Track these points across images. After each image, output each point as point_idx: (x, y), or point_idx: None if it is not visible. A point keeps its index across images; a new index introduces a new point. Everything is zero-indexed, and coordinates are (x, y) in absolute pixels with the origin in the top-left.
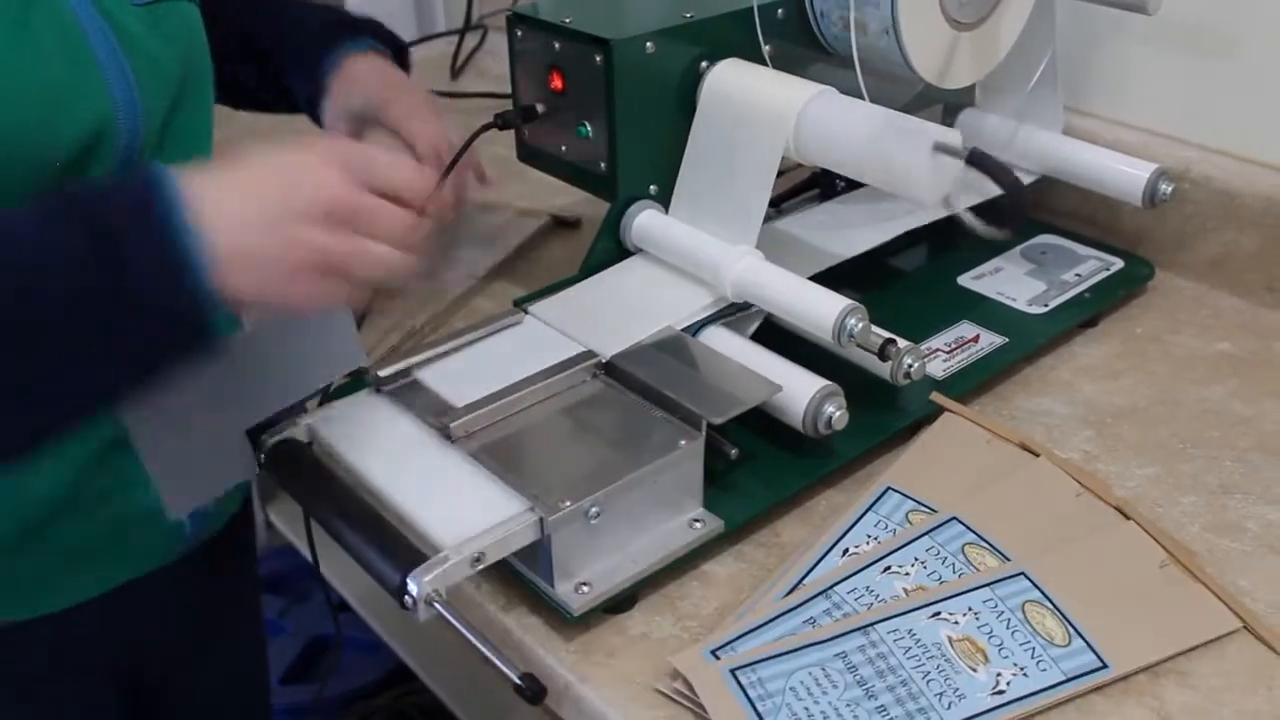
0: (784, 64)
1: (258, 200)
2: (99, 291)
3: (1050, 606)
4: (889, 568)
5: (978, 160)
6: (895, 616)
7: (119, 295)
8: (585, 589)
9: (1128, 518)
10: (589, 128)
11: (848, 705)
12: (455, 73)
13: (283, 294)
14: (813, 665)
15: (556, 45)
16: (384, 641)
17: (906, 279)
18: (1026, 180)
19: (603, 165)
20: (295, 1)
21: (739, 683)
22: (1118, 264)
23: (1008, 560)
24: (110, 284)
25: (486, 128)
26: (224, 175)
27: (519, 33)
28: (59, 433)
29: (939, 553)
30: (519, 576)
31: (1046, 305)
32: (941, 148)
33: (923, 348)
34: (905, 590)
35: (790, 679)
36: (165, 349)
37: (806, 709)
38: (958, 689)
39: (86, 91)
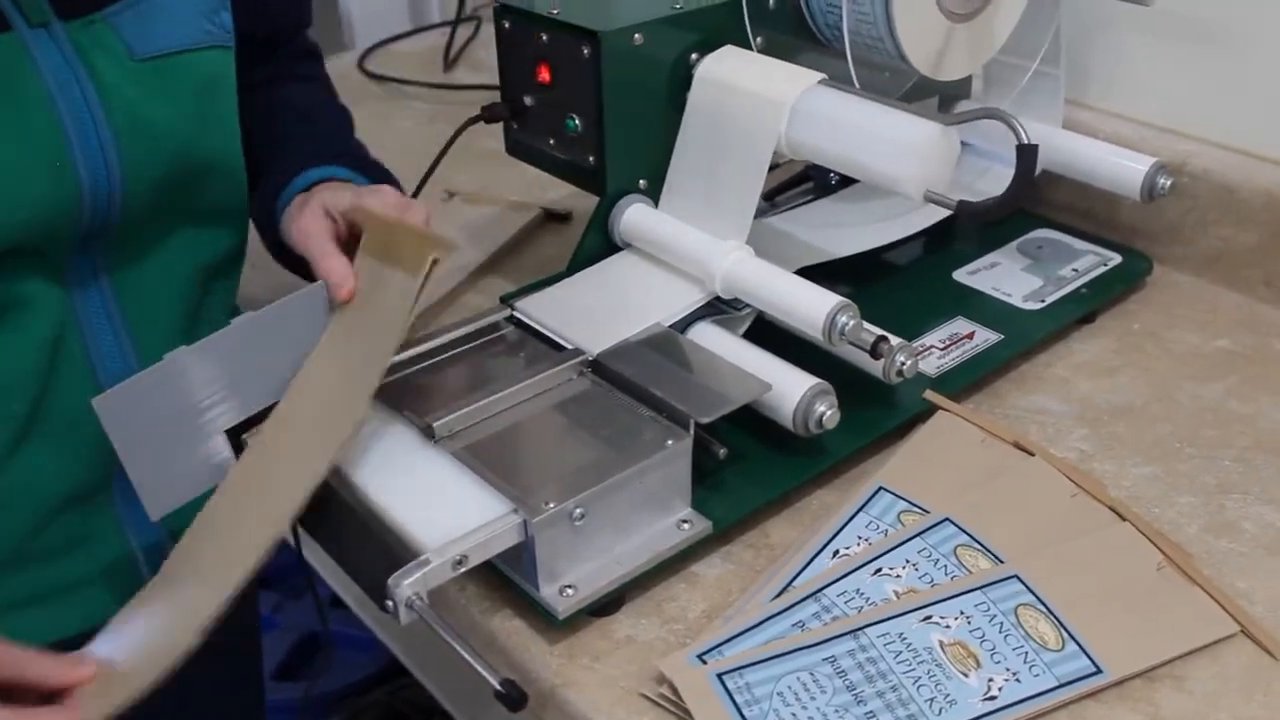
0: (775, 55)
1: None
2: None
3: (1044, 610)
4: (880, 570)
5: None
6: (886, 620)
7: None
8: (570, 592)
9: (1123, 519)
10: (577, 121)
11: (836, 711)
12: (448, 65)
13: None
14: (801, 670)
15: (544, 37)
16: (377, 637)
17: (901, 274)
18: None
19: (591, 159)
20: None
21: (725, 687)
22: (1115, 259)
23: (1000, 562)
24: None
25: (472, 121)
26: None
27: (506, 24)
28: None
29: (931, 554)
30: (503, 579)
31: (1043, 301)
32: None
33: (916, 345)
34: (896, 593)
35: (778, 684)
36: None
37: (794, 714)
38: (948, 694)
39: (41, 171)
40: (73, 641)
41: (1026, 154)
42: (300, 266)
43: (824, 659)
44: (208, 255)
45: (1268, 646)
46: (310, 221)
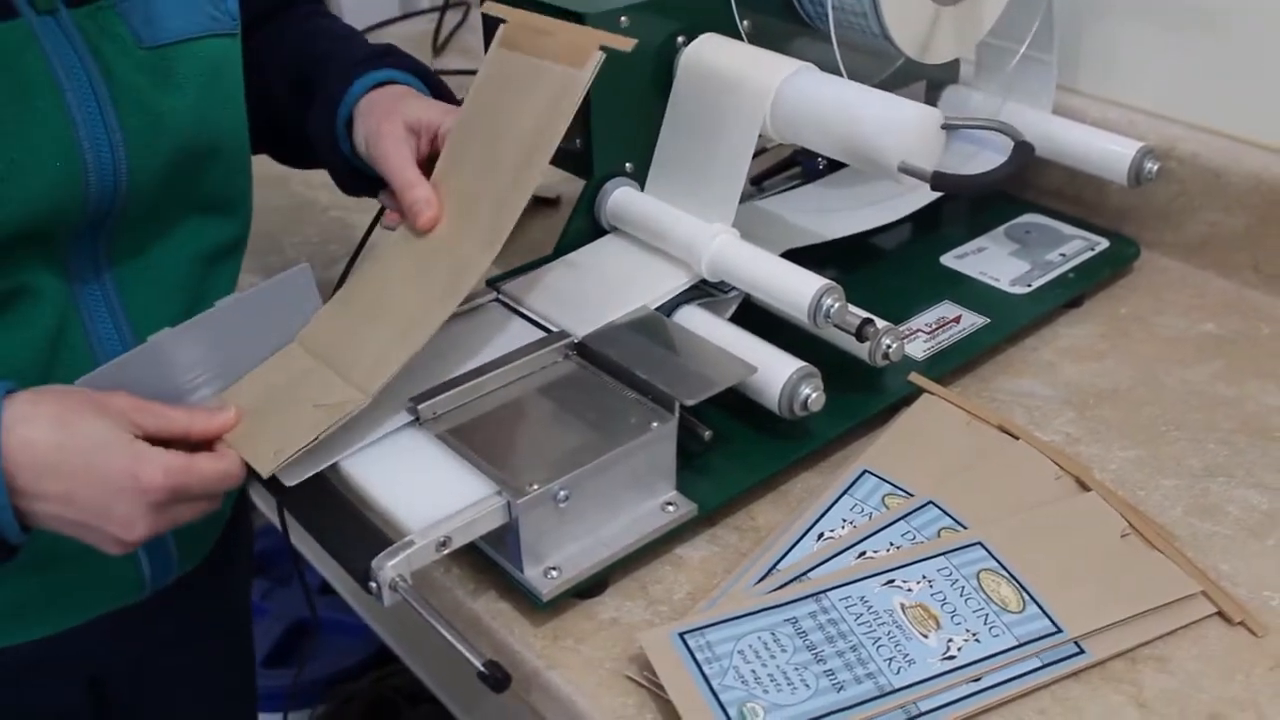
0: (762, 38)
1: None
2: None
3: (1006, 574)
4: (864, 553)
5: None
6: (848, 584)
7: None
8: (555, 573)
9: (1087, 488)
10: None
11: (795, 669)
12: (437, 50)
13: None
14: (762, 630)
15: None
16: (365, 624)
17: (888, 258)
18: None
19: (577, 142)
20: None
21: (687, 646)
22: (1103, 243)
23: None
24: None
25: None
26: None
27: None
28: None
29: (915, 537)
30: (488, 561)
31: (1030, 285)
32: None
33: (903, 328)
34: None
35: (739, 643)
36: None
37: (754, 671)
38: (907, 654)
39: (48, 159)
40: (78, 631)
41: (1022, 150)
42: (369, 187)
43: (785, 620)
44: (210, 245)
45: (1228, 612)
46: (391, 145)
